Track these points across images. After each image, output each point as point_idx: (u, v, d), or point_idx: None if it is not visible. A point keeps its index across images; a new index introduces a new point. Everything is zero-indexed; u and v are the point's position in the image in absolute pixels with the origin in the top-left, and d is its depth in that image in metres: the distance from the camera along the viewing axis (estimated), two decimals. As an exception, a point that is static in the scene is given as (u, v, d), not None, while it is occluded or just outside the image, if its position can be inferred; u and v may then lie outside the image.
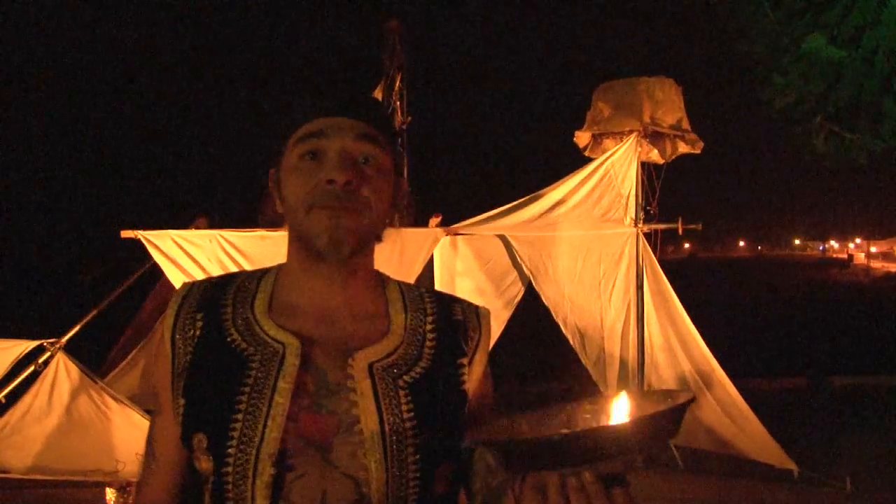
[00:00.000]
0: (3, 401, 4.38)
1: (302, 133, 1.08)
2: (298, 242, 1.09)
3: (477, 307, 1.19)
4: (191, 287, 1.16)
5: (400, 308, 1.13)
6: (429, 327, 1.11)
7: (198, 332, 1.08)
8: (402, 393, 1.02)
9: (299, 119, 1.10)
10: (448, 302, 1.18)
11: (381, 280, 1.18)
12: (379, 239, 1.13)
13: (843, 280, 39.00)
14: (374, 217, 1.06)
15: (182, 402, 1.04)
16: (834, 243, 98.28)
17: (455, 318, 1.15)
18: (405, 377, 1.04)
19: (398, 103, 5.89)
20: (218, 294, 1.13)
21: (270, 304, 1.11)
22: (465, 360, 1.11)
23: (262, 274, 1.18)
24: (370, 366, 1.03)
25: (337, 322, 1.08)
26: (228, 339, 1.06)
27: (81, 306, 4.84)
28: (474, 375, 1.13)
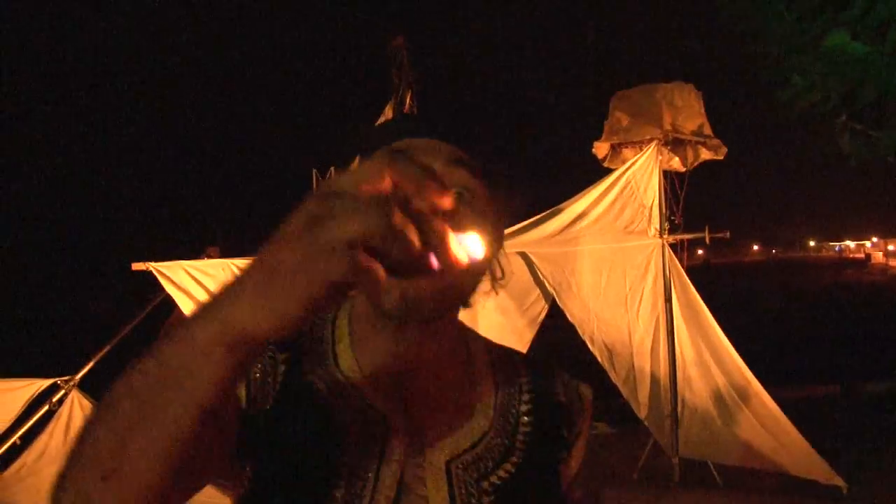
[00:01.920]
0: (19, 442, 4.26)
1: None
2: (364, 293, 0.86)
3: (578, 385, 0.98)
4: None
5: (489, 380, 0.91)
6: (524, 408, 0.90)
7: (279, 378, 0.85)
8: (486, 501, 0.82)
9: (380, 140, 0.87)
10: (547, 376, 0.96)
11: (466, 338, 0.95)
12: (466, 304, 0.88)
13: (863, 280, 38.55)
14: (465, 273, 0.79)
15: (250, 466, 0.82)
16: (850, 243, 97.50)
17: (557, 400, 0.93)
18: (492, 477, 0.83)
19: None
20: (310, 330, 0.91)
21: (355, 354, 0.89)
22: (565, 455, 0.91)
23: (334, 314, 0.94)
24: (448, 464, 0.83)
25: (410, 393, 0.87)
26: (317, 397, 0.84)
27: (94, 341, 4.71)
28: (571, 471, 0.93)
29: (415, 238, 0.58)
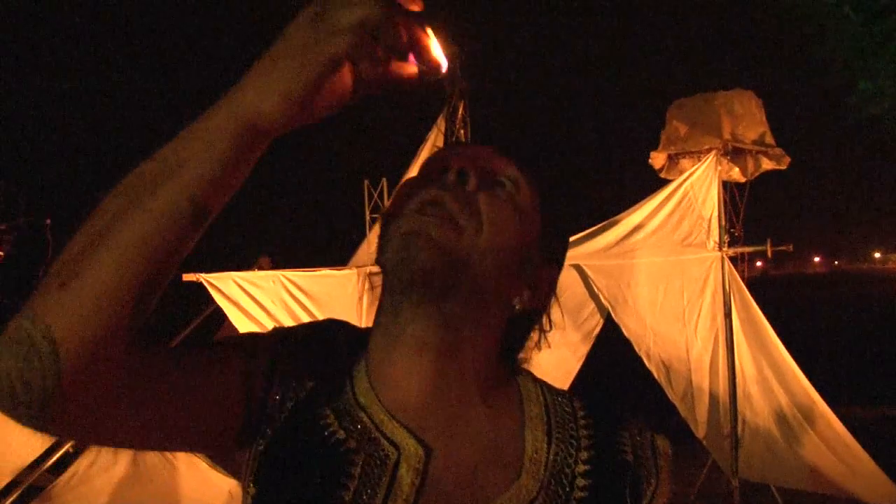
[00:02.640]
0: (72, 451, 4.31)
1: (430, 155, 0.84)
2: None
3: (653, 438, 0.85)
4: (327, 326, 0.87)
5: (541, 430, 0.80)
6: (581, 469, 0.79)
7: (302, 398, 0.79)
8: None
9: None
10: (611, 426, 0.83)
11: (510, 376, 0.85)
12: (505, 306, 0.81)
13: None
14: (483, 244, 0.75)
15: (252, 489, 0.76)
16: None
17: (623, 459, 0.81)
18: None
19: (462, 131, 5.69)
20: (338, 356, 0.84)
21: (370, 379, 0.81)
22: None
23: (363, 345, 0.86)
24: None
25: (434, 432, 0.77)
26: (322, 423, 0.76)
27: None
28: None
29: (403, 32, 0.65)
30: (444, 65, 0.71)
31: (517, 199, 0.80)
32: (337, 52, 0.62)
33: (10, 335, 0.60)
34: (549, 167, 0.87)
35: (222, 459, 0.84)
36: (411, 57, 0.69)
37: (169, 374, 0.71)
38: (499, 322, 0.82)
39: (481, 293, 0.78)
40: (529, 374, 0.88)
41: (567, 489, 0.76)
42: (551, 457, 0.78)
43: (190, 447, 0.86)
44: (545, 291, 0.86)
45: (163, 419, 0.71)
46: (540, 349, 0.86)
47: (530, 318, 0.86)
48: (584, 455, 0.79)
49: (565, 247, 0.92)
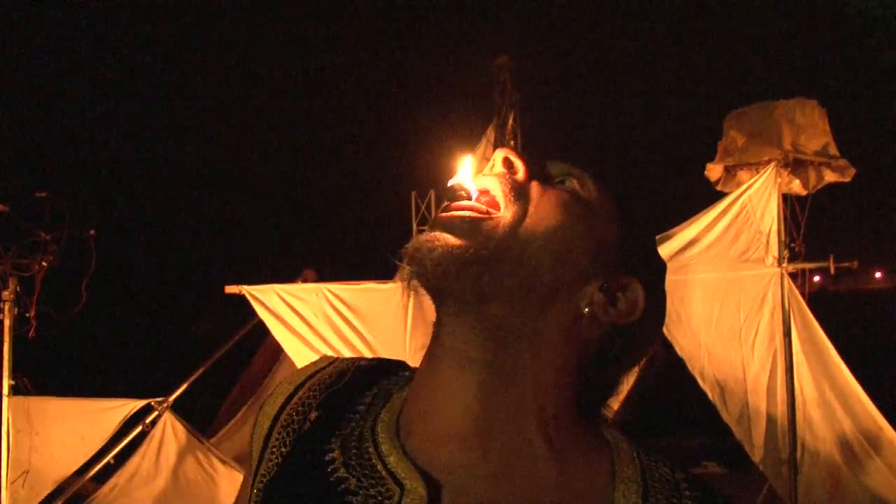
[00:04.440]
0: (113, 462, 4.33)
1: None
2: None
3: None
4: (326, 366, 0.80)
5: (635, 492, 0.68)
6: None
7: (304, 433, 0.73)
8: None
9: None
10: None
11: (592, 419, 0.74)
12: (571, 314, 0.70)
13: None
14: (528, 230, 0.66)
15: None
16: None
17: None
18: None
19: (512, 143, 5.60)
20: (355, 390, 0.76)
21: (399, 416, 0.72)
22: None
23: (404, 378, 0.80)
24: None
25: (474, 470, 0.67)
26: (326, 459, 0.68)
27: (191, 363, 4.77)
28: None
29: None
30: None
31: (581, 193, 0.72)
32: None
33: None
34: (617, 174, 0.78)
35: None
36: None
37: None
38: (568, 341, 0.70)
39: (532, 289, 0.67)
40: (619, 435, 0.76)
41: None
42: None
43: None
44: (626, 308, 0.73)
45: None
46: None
47: (614, 343, 0.73)
48: None
49: (654, 265, 0.81)
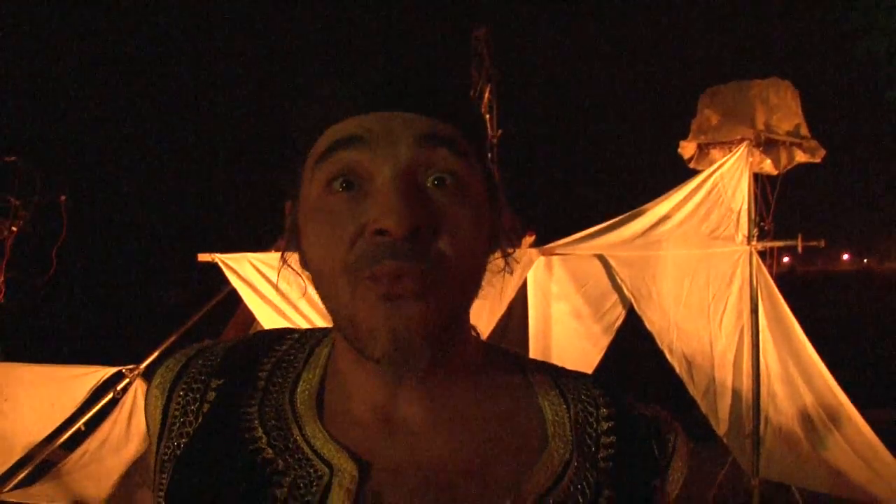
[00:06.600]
0: (84, 428, 4.31)
1: (325, 145, 0.66)
2: (340, 331, 0.70)
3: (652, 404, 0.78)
4: (204, 348, 0.79)
5: (554, 393, 0.73)
6: (605, 425, 0.71)
7: (206, 408, 0.71)
8: None
9: (319, 120, 0.67)
10: (621, 391, 0.77)
11: (480, 345, 0.76)
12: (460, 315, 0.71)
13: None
14: (465, 281, 0.65)
15: None
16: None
17: (640, 413, 0.74)
18: None
19: (488, 116, 5.59)
20: (251, 358, 0.75)
21: (320, 395, 0.72)
22: (658, 482, 0.71)
23: (317, 341, 0.78)
24: None
25: (410, 438, 0.69)
26: (248, 437, 0.67)
27: (163, 330, 4.73)
28: (668, 499, 0.74)
29: None
30: None
31: (466, 190, 0.66)
32: None
33: None
34: (470, 114, 0.71)
35: None
36: None
37: None
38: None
39: (465, 309, 0.70)
40: (499, 348, 0.79)
41: (593, 447, 0.68)
42: (573, 415, 0.70)
43: None
44: (509, 235, 0.76)
45: None
46: (511, 272, 0.75)
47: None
48: (604, 412, 0.71)
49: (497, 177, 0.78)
